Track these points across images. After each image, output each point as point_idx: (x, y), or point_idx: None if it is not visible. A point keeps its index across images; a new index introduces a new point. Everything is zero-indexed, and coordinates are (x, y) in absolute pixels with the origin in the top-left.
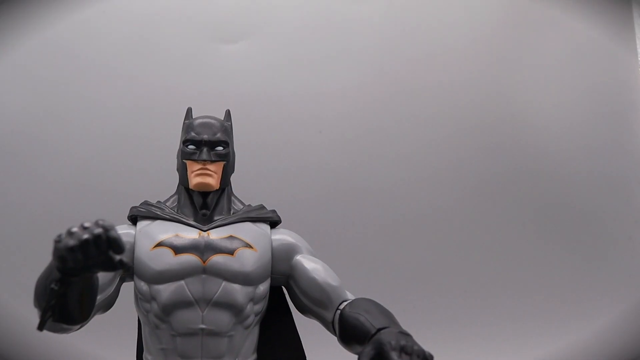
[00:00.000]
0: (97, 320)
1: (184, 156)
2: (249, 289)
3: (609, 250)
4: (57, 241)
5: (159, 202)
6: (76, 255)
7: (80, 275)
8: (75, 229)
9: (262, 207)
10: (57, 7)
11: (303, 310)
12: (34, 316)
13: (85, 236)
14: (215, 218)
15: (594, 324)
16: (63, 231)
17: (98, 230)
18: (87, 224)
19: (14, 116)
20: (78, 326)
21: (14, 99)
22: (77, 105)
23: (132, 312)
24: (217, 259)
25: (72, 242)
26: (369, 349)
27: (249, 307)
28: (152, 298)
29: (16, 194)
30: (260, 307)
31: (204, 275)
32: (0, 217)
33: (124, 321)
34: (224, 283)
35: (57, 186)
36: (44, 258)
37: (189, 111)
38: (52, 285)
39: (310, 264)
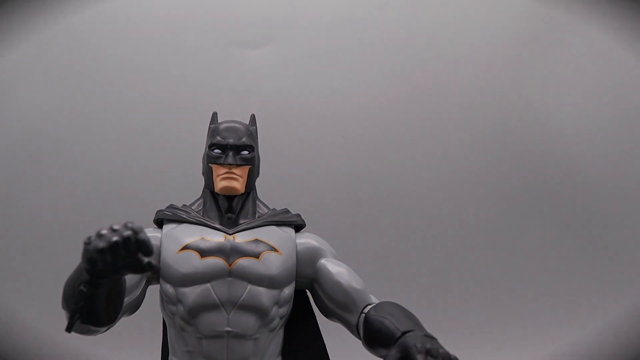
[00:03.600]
0: (122, 323)
1: (210, 160)
2: (274, 292)
3: (632, 254)
4: (87, 243)
5: (184, 205)
6: (105, 257)
7: (108, 277)
8: (104, 231)
9: (286, 211)
10: (82, 11)
11: (327, 313)
12: (62, 319)
13: (115, 238)
14: (241, 222)
15: (621, 328)
16: (92, 233)
17: (127, 233)
18: (116, 226)
19: (37, 119)
20: (105, 328)
21: (37, 102)
22: (101, 109)
23: (156, 315)
24: (242, 262)
25: (101, 244)
26: (394, 352)
27: (274, 310)
28: (178, 301)
29: (39, 198)
30: (285, 310)
31: (229, 278)
32: (23, 221)
33: (149, 324)
34: (249, 286)
35: (81, 190)
36: (67, 261)
37: (214, 115)
38: (81, 287)
39: (334, 267)
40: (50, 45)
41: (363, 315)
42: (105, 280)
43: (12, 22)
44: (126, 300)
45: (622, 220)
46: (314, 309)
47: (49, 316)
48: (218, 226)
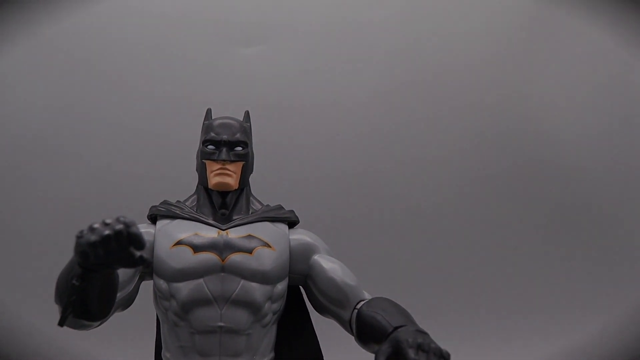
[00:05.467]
0: (116, 318)
1: (204, 156)
2: (267, 287)
3: (625, 249)
4: (79, 237)
5: (178, 201)
6: (97, 250)
7: (101, 271)
8: (96, 225)
9: (280, 207)
10: (77, 10)
11: (321, 309)
12: (55, 314)
13: (107, 232)
14: (234, 217)
15: (612, 325)
16: (85, 227)
17: (119, 227)
18: (108, 220)
19: (34, 117)
20: (98, 323)
21: (34, 100)
22: (96, 106)
23: (150, 311)
24: (235, 257)
25: (93, 237)
26: (386, 347)
27: (267, 306)
28: (171, 296)
29: (35, 193)
30: (278, 305)
31: (222, 274)
32: (19, 217)
33: (142, 319)
34: (242, 281)
35: (77, 186)
36: (61, 257)
37: (208, 112)
38: (73, 281)
39: (328, 263)
40: (47, 44)
41: (356, 311)
42: (97, 274)
43: (11, 21)
44: (119, 295)
45: (622, 219)
46: (307, 305)
47: (41, 311)
48: (211, 222)
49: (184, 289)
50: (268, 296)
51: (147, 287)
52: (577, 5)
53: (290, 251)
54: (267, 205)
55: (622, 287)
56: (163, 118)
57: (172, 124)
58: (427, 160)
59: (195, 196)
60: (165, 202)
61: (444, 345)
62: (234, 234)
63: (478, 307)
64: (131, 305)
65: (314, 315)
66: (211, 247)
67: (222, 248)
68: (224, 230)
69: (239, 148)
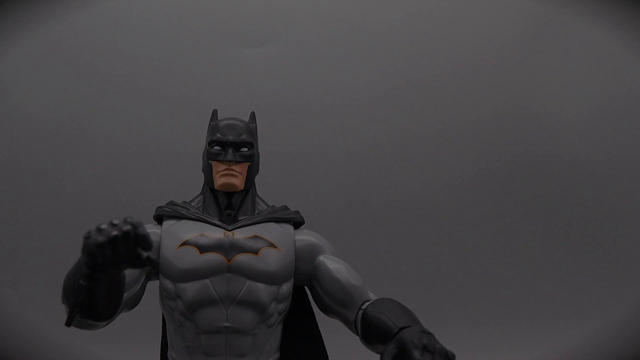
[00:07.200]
0: (122, 318)
1: (210, 157)
2: (273, 288)
3: (633, 254)
4: (87, 238)
5: (184, 202)
6: (105, 251)
7: (108, 271)
8: (104, 226)
9: (285, 208)
10: (82, 10)
11: (326, 310)
12: (61, 314)
13: (114, 233)
14: (240, 218)
15: (621, 329)
16: (92, 228)
17: (127, 227)
18: (116, 221)
19: (38, 117)
20: (105, 322)
21: (38, 99)
22: (102, 108)
23: (156, 311)
24: (241, 258)
25: (101, 238)
26: (391, 348)
27: (273, 306)
28: (177, 296)
29: (40, 194)
30: (283, 306)
31: (228, 274)
32: (24, 218)
33: (148, 320)
34: (248, 282)
35: (83, 186)
36: (68, 258)
37: (214, 113)
38: (81, 282)
39: (333, 264)
40: (51, 44)
41: (361, 311)
42: (104, 275)
43: (12, 21)
44: (126, 295)
45: (622, 220)
46: (312, 306)
47: (47, 312)
48: (217, 222)
49: (190, 289)
50: (273, 296)
51: (152, 287)
52: (581, 6)
53: (295, 252)
54: (273, 206)
55: (623, 287)
56: (169, 119)
57: (178, 124)
58: (433, 158)
59: (201, 197)
60: (171, 203)
61: (448, 346)
62: (240, 235)
63: (481, 307)
64: (137, 305)
65: (319, 315)
66: (217, 247)
67: (228, 248)
68: (229, 230)
69: (245, 149)
